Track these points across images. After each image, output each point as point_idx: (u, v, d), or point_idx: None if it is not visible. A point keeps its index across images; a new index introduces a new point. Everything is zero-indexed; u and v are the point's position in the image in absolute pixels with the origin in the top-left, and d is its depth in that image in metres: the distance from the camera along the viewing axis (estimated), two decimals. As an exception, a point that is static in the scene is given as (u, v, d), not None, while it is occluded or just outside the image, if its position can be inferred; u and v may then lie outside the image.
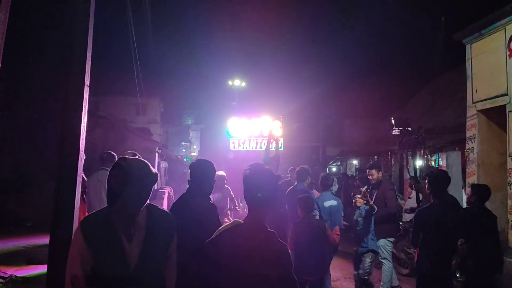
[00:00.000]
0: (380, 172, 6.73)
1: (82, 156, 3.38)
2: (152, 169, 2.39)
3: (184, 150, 47.51)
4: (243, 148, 12.86)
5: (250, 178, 2.40)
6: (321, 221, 5.74)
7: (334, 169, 19.75)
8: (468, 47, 8.67)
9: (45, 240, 8.71)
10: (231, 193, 9.31)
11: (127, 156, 2.33)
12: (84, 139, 3.39)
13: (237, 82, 30.35)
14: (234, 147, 12.86)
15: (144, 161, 2.37)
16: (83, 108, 3.37)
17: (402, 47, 22.99)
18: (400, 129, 7.02)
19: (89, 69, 3.46)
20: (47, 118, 14.77)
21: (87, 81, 3.43)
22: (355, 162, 18.67)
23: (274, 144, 8.54)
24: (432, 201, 4.71)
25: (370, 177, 6.64)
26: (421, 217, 4.70)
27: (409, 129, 7.01)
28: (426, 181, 4.80)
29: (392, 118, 7.29)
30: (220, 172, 8.26)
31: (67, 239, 3.18)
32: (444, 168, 9.96)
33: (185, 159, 38.73)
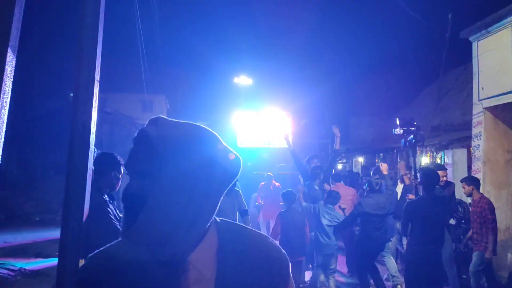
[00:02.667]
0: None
1: (92, 150, 3.43)
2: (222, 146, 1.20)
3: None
4: (250, 144, 12.82)
5: None
6: (301, 212, 6.72)
7: (339, 167, 19.75)
8: (474, 44, 8.66)
9: (53, 234, 8.84)
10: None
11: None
12: (95, 133, 3.43)
13: (244, 79, 30.37)
14: (241, 143, 12.82)
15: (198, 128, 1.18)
16: (93, 103, 3.40)
17: (409, 45, 22.97)
18: (404, 129, 7.15)
19: (99, 64, 3.50)
20: (54, 114, 14.91)
21: (97, 77, 3.47)
22: (361, 159, 18.67)
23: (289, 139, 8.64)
24: (421, 194, 5.17)
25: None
26: (410, 209, 5.16)
27: (413, 128, 7.12)
28: (418, 176, 5.28)
29: (398, 118, 7.42)
30: None
31: (77, 232, 3.24)
32: (450, 166, 10.00)
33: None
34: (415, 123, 7.19)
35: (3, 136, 2.21)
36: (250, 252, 1.10)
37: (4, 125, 2.18)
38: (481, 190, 7.97)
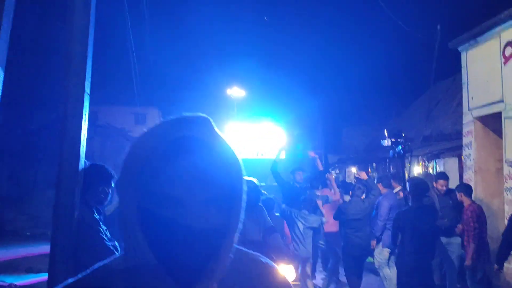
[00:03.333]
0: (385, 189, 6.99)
1: (82, 163, 3.40)
2: None
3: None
4: (243, 156, 12.87)
5: None
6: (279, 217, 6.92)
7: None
8: (463, 54, 8.76)
9: (44, 249, 8.71)
10: None
11: None
12: (85, 146, 3.42)
13: (236, 91, 30.46)
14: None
15: None
16: (83, 116, 3.40)
17: (399, 56, 23.20)
18: (392, 140, 7.28)
19: (90, 77, 3.50)
20: (44, 128, 14.82)
21: (88, 89, 3.47)
22: (353, 169, 18.70)
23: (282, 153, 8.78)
24: (410, 204, 5.15)
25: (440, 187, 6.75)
26: (399, 219, 5.18)
27: (400, 140, 7.24)
28: (408, 185, 5.29)
29: (386, 130, 7.61)
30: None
31: (67, 246, 3.20)
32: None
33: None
34: (403, 134, 7.32)
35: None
36: (252, 284, 1.01)
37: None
38: (473, 199, 8.05)
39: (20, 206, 11.62)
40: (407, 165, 8.27)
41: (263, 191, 10.52)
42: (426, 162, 10.88)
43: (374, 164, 15.62)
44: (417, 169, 11.25)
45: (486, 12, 8.74)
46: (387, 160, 13.98)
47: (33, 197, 12.03)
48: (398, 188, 7.17)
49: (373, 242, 6.64)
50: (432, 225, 5.01)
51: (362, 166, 16.85)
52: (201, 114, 0.93)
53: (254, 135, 13.08)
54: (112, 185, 3.58)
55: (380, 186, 6.89)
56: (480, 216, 5.95)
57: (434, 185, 6.63)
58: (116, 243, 3.62)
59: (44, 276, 6.89)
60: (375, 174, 14.78)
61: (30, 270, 7.18)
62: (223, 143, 0.94)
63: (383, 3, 9.59)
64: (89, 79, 3.52)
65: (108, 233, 3.49)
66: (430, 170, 10.80)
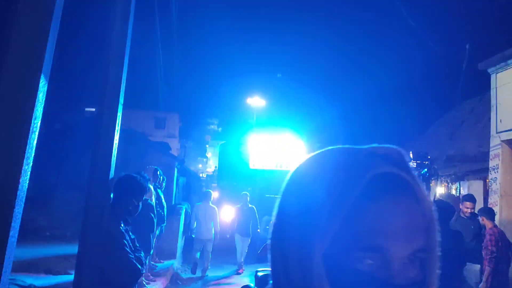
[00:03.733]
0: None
1: (112, 173, 3.43)
2: None
3: (200, 166, 47.72)
4: (263, 166, 12.85)
5: None
6: None
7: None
8: (493, 76, 8.62)
9: (63, 250, 8.83)
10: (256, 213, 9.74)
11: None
12: (116, 155, 3.46)
13: (257, 100, 30.54)
14: (253, 165, 12.89)
15: None
16: (116, 126, 3.44)
17: (423, 74, 22.94)
18: (417, 162, 7.21)
19: (124, 88, 3.54)
20: (69, 129, 15.04)
21: (121, 100, 3.51)
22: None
23: None
24: None
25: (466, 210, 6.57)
26: None
27: (426, 162, 7.16)
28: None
29: (411, 151, 7.51)
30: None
31: (94, 252, 3.23)
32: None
33: (201, 175, 38.87)
34: (428, 157, 7.23)
35: (32, 157, 2.23)
36: None
37: (34, 149, 2.20)
38: (498, 224, 7.86)
39: (41, 206, 11.78)
40: (431, 187, 8.12)
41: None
42: (450, 184, 10.69)
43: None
44: (439, 190, 11.06)
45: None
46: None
47: (54, 198, 12.17)
48: None
49: None
50: (458, 250, 4.87)
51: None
52: (393, 146, 0.76)
53: (274, 146, 13.06)
54: (143, 197, 3.59)
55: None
56: (500, 240, 5.78)
57: (460, 207, 6.48)
58: (142, 254, 3.65)
59: (62, 279, 6.98)
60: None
61: (48, 271, 7.25)
62: (419, 181, 0.75)
63: (413, 21, 9.52)
64: (123, 90, 3.58)
65: (136, 243, 3.53)
66: (454, 192, 10.61)
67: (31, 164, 2.11)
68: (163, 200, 8.36)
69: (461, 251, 4.97)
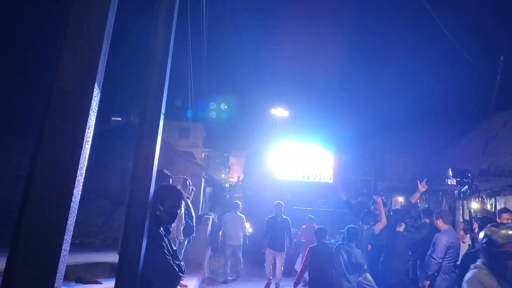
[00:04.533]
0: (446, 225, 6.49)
1: (153, 183, 3.41)
2: None
3: (223, 175, 47.83)
4: (290, 177, 12.71)
5: None
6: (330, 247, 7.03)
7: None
8: (533, 88, 8.35)
9: (92, 258, 8.89)
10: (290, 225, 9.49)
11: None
12: (157, 165, 3.43)
13: (280, 111, 30.51)
14: (280, 175, 12.75)
15: None
16: (158, 136, 3.42)
17: (455, 83, 22.50)
18: (457, 180, 7.03)
19: (165, 98, 3.52)
20: (98, 136, 15.24)
21: (163, 110, 3.49)
22: (400, 199, 18.10)
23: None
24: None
25: (435, 221, 6.51)
26: (466, 260, 4.81)
27: (466, 180, 6.98)
28: (476, 225, 4.92)
29: (450, 169, 7.32)
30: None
31: (135, 264, 3.18)
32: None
33: (224, 184, 38.94)
34: (469, 174, 7.04)
35: (85, 167, 2.19)
36: None
37: (87, 159, 2.16)
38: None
39: (70, 213, 11.89)
40: (466, 203, 7.88)
41: (310, 215, 10.39)
42: (485, 199, 10.33)
43: (425, 196, 15.03)
44: (474, 205, 10.70)
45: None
46: (440, 192, 13.43)
47: (83, 206, 12.31)
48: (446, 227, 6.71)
49: (426, 283, 6.19)
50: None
51: (411, 196, 16.26)
52: None
53: (301, 157, 12.90)
54: (181, 205, 3.73)
55: (440, 222, 6.48)
56: None
57: (498, 220, 6.23)
58: (182, 263, 3.64)
59: (91, 286, 6.99)
60: (425, 205, 14.22)
61: (79, 280, 7.27)
62: None
63: (446, 29, 9.33)
64: (165, 100, 3.56)
65: (177, 253, 3.64)
66: (489, 207, 10.24)
67: (83, 174, 2.07)
68: (192, 210, 8.33)
69: None
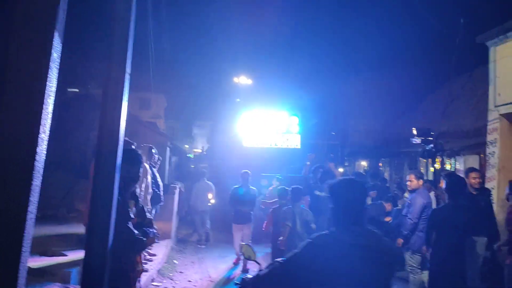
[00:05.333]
0: (421, 180, 6.65)
1: (121, 147, 3.25)
2: None
3: (187, 146, 47.38)
4: (257, 144, 12.58)
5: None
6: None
7: (341, 170, 19.57)
8: (492, 49, 8.53)
9: (54, 230, 8.61)
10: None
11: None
12: (124, 129, 3.27)
13: (243, 79, 30.20)
14: (247, 143, 12.60)
15: None
16: (124, 97, 3.25)
17: (414, 48, 22.78)
18: (422, 138, 7.21)
19: (131, 56, 3.33)
20: (56, 108, 14.63)
21: (128, 69, 3.31)
22: (364, 163, 18.55)
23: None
24: (447, 201, 4.88)
25: (408, 182, 6.66)
26: (435, 216, 4.97)
27: (430, 138, 7.17)
28: (444, 182, 4.99)
29: (414, 128, 7.49)
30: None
31: (105, 233, 3.06)
32: (461, 172, 9.87)
33: (188, 155, 38.63)
34: (432, 133, 7.22)
35: (49, 123, 2.02)
36: None
37: (50, 114, 1.99)
38: (495, 198, 7.87)
39: (30, 187, 11.46)
40: (429, 164, 8.10)
41: (275, 181, 10.42)
42: (445, 159, 10.70)
43: (387, 159, 15.44)
44: (436, 166, 11.07)
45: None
46: (401, 155, 13.82)
47: (44, 178, 11.88)
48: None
49: (399, 241, 6.33)
50: (470, 224, 4.78)
51: (373, 160, 16.69)
52: None
53: (268, 123, 12.77)
54: (141, 166, 3.67)
55: (412, 177, 6.59)
56: None
57: (466, 180, 6.41)
58: (151, 230, 3.56)
59: (58, 259, 6.80)
60: (388, 169, 14.64)
61: (44, 253, 7.04)
62: None
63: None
64: (130, 58, 3.36)
65: (145, 214, 3.73)
66: (448, 167, 10.64)
67: (48, 131, 1.92)
68: (159, 179, 8.18)
69: (472, 224, 4.88)
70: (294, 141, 12.55)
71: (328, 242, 2.35)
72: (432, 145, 6.68)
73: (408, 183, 6.68)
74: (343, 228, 2.40)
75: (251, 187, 9.05)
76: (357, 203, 2.47)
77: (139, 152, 3.78)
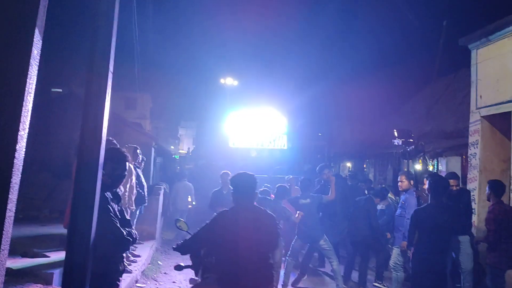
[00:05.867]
0: (412, 181, 6.80)
1: (103, 145, 3.23)
2: None
3: (172, 147, 47.14)
4: (243, 145, 12.54)
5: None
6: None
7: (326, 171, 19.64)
8: (474, 52, 8.67)
9: (37, 232, 8.51)
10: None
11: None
12: (107, 129, 3.25)
13: (229, 81, 30.16)
14: (233, 143, 12.55)
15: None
16: (106, 95, 3.22)
17: (398, 51, 23.05)
18: (402, 140, 7.31)
19: (113, 55, 3.31)
20: (37, 110, 14.46)
21: (111, 68, 3.28)
22: (348, 164, 18.65)
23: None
24: (429, 202, 5.04)
25: (399, 183, 6.78)
26: (417, 216, 5.00)
27: (411, 140, 7.28)
28: (427, 182, 5.07)
29: (395, 130, 7.58)
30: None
31: (86, 233, 3.03)
32: (444, 173, 10.00)
33: (173, 156, 38.43)
34: (412, 134, 7.34)
35: (28, 120, 2.00)
36: None
37: (30, 111, 1.97)
38: (477, 199, 8.01)
39: (11, 188, 11.28)
40: (411, 164, 8.22)
41: (266, 185, 10.37)
42: (428, 160, 10.84)
43: (372, 160, 15.57)
44: (417, 167, 11.20)
45: (498, 11, 8.68)
46: (384, 156, 13.94)
47: (25, 179, 11.71)
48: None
49: (404, 244, 6.33)
50: (451, 224, 4.86)
51: (358, 161, 16.80)
52: None
53: (255, 124, 12.71)
54: (125, 166, 3.69)
55: (403, 178, 6.70)
56: (500, 219, 5.62)
57: None
58: (133, 231, 3.54)
59: (39, 261, 6.70)
60: (372, 169, 14.76)
61: (25, 255, 6.94)
62: None
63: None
64: (113, 57, 3.33)
65: (125, 216, 3.60)
66: (431, 168, 10.77)
67: (27, 129, 1.89)
68: (143, 180, 8.13)
69: (454, 224, 4.97)
70: (281, 141, 12.57)
71: (227, 215, 3.60)
72: (412, 147, 6.76)
73: (399, 183, 6.82)
74: (239, 206, 3.61)
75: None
76: (248, 189, 3.64)
77: (124, 151, 3.76)
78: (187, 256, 3.96)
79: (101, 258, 3.20)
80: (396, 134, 7.34)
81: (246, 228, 3.46)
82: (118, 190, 3.78)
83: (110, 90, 3.29)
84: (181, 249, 3.75)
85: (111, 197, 3.50)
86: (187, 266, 3.84)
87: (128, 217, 3.77)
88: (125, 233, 3.34)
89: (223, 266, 3.51)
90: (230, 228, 3.46)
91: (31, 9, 1.90)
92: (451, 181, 6.50)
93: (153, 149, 12.73)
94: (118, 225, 3.34)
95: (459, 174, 9.74)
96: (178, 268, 3.77)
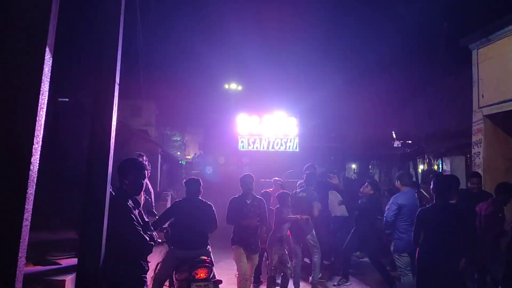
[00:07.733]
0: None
1: (111, 155, 3.34)
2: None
3: (178, 153, 47.33)
4: (253, 148, 12.10)
5: None
6: None
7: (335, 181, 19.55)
8: (474, 52, 8.74)
9: (48, 240, 8.62)
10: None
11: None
12: (114, 137, 3.37)
13: (236, 83, 30.27)
14: (243, 147, 12.16)
15: None
16: (114, 107, 3.34)
17: (400, 52, 23.03)
18: (401, 142, 7.33)
19: (119, 67, 3.43)
20: (50, 118, 14.62)
21: (117, 80, 3.41)
22: (353, 166, 18.70)
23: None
24: (434, 201, 5.02)
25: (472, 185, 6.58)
26: (422, 216, 5.02)
27: (410, 142, 7.31)
28: (432, 182, 5.07)
29: (393, 132, 7.60)
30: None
31: (98, 241, 3.15)
32: (448, 173, 10.05)
33: (180, 161, 38.61)
34: (411, 135, 7.38)
35: (41, 135, 2.12)
36: None
37: (42, 126, 2.09)
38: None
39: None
40: (412, 165, 8.25)
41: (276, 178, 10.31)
42: (432, 160, 10.87)
43: (377, 161, 15.59)
44: (420, 167, 11.24)
45: (496, 11, 8.74)
46: (390, 158, 13.96)
47: (36, 188, 11.82)
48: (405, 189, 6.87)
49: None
50: (457, 224, 4.84)
51: (363, 163, 16.81)
52: None
53: (265, 127, 12.29)
54: (145, 177, 3.96)
55: (398, 184, 6.61)
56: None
57: (467, 184, 6.52)
58: (154, 233, 3.74)
59: (51, 267, 6.83)
60: (377, 170, 14.77)
61: (37, 263, 7.06)
62: None
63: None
64: (119, 69, 3.46)
65: (149, 226, 3.79)
66: (436, 168, 10.80)
67: (40, 142, 2.01)
68: (150, 186, 8.24)
69: (461, 225, 4.92)
70: (292, 144, 12.08)
71: (181, 203, 5.57)
72: (413, 148, 6.81)
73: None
74: (188, 198, 5.51)
75: (257, 196, 6.47)
76: (195, 186, 5.49)
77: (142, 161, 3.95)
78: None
79: (131, 262, 3.52)
80: (394, 136, 7.38)
81: (195, 214, 5.39)
82: None
83: (117, 101, 3.42)
84: (154, 226, 4.99)
85: (133, 205, 3.68)
86: (163, 242, 5.39)
87: (146, 219, 3.91)
88: (148, 238, 3.57)
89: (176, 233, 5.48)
90: (182, 212, 5.43)
91: (42, 29, 2.02)
92: (473, 180, 6.45)
93: (159, 156, 12.84)
94: (142, 232, 3.56)
95: (464, 173, 9.81)
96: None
